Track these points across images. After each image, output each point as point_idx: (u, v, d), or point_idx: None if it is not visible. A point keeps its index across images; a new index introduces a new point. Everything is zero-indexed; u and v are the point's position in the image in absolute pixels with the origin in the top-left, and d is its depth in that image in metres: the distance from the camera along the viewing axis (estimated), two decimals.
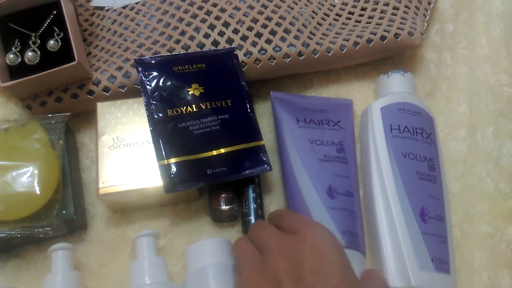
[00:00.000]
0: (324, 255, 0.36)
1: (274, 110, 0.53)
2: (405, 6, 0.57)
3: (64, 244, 0.46)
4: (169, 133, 0.47)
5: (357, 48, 0.54)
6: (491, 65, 0.58)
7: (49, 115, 0.51)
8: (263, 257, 0.38)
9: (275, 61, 0.53)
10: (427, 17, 0.58)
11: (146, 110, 0.48)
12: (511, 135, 0.54)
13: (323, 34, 0.55)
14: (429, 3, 0.59)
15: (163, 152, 0.47)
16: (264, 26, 0.54)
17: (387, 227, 0.45)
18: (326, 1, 0.59)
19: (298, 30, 0.54)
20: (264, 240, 0.39)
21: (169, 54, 0.52)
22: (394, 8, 0.57)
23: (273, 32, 0.54)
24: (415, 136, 0.49)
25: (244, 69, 0.53)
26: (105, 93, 0.52)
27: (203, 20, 0.55)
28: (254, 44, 0.53)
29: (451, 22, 0.61)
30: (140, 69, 0.50)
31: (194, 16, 0.55)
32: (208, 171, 0.47)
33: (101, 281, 0.48)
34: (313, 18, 0.56)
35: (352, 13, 0.58)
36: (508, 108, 0.55)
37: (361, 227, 0.48)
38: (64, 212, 0.47)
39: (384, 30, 0.54)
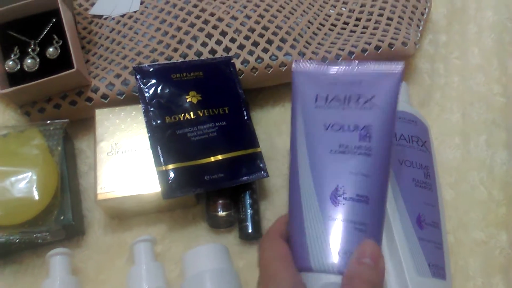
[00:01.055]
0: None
1: (292, 88, 0.43)
2: (399, 17, 0.58)
3: (62, 249, 0.46)
4: (167, 139, 0.48)
5: (352, 58, 0.55)
6: (483, 74, 0.59)
7: (48, 122, 0.51)
8: None
9: (271, 69, 0.54)
10: (421, 28, 0.59)
11: (144, 117, 0.49)
12: (503, 143, 0.54)
13: (319, 43, 0.56)
14: (423, 14, 0.60)
15: (161, 159, 0.47)
16: (261, 36, 0.55)
17: (385, 232, 0.45)
18: (322, 11, 0.60)
19: (294, 40, 0.55)
20: None
21: (167, 62, 0.53)
22: (388, 18, 0.58)
23: (269, 41, 0.54)
24: (411, 144, 0.49)
25: (241, 77, 0.53)
26: (104, 100, 0.53)
27: (201, 29, 0.56)
28: (251, 53, 0.54)
29: (444, 32, 0.62)
30: (138, 76, 0.50)
31: (192, 25, 0.56)
32: (205, 178, 0.47)
33: (99, 287, 0.48)
34: (308, 28, 0.57)
35: (347, 23, 0.59)
36: (501, 117, 0.56)
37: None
38: (62, 217, 0.47)
39: (378, 40, 0.55)
